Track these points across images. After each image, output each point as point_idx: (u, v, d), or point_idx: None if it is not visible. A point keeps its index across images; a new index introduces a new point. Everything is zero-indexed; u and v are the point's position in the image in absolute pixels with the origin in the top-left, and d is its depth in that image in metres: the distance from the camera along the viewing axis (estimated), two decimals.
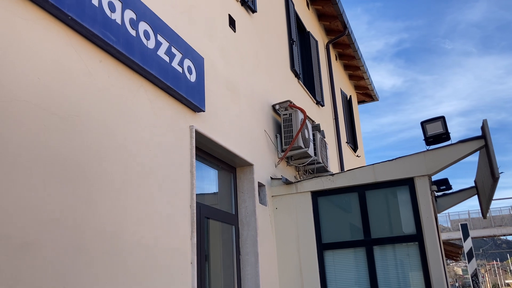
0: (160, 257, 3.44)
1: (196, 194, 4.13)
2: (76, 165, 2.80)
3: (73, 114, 2.85)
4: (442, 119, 5.43)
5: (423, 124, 5.50)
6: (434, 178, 5.64)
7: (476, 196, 6.81)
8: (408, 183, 5.21)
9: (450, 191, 6.50)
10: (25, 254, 2.37)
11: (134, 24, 3.48)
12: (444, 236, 35.44)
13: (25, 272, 2.34)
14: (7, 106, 2.42)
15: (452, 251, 13.32)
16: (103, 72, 3.18)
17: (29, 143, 2.51)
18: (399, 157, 5.30)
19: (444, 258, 5.44)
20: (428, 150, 5.22)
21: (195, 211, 3.99)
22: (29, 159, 2.49)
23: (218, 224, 4.93)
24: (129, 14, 3.44)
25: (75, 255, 2.67)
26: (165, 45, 3.85)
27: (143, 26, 3.59)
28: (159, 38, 3.79)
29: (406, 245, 5.15)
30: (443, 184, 6.31)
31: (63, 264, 2.58)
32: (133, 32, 3.45)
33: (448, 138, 5.36)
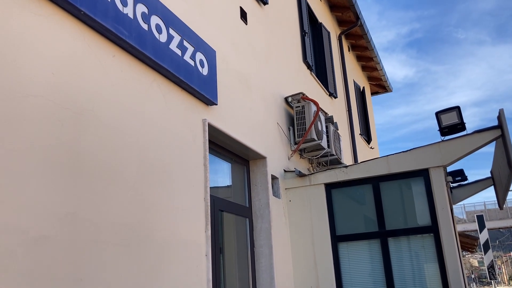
0: (175, 249, 3.46)
1: (210, 187, 4.14)
2: (91, 159, 2.83)
3: (87, 109, 2.87)
4: (457, 109, 5.36)
5: (438, 114, 5.44)
6: (449, 169, 5.58)
7: (492, 187, 6.72)
8: (423, 174, 5.17)
9: (465, 182, 6.43)
10: (42, 247, 2.40)
11: (146, 18, 3.48)
12: (460, 227, 35.13)
13: (42, 264, 2.38)
14: (22, 102, 2.44)
15: (467, 242, 13.23)
16: (116, 66, 3.19)
17: (44, 138, 2.54)
18: (414, 148, 5.25)
19: (460, 249, 5.40)
20: (443, 140, 5.17)
21: (209, 204, 4.01)
22: (45, 154, 2.52)
23: (232, 216, 4.95)
24: (141, 8, 3.45)
25: (91, 248, 2.70)
26: (177, 38, 3.86)
27: (155, 20, 3.59)
28: (171, 31, 3.79)
29: (421, 236, 5.12)
30: (459, 175, 6.25)
31: (79, 257, 2.62)
32: (145, 26, 3.45)
33: (463, 128, 5.29)
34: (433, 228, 5.01)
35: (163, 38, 3.66)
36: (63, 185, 2.60)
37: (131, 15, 3.31)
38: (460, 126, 5.27)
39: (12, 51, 2.44)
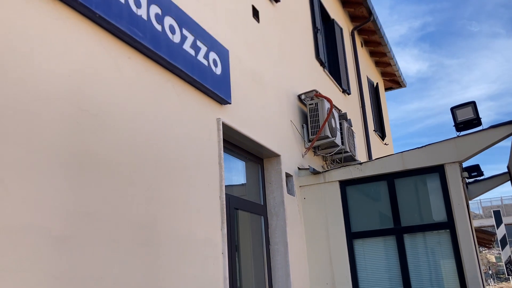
0: (192, 247, 3.50)
1: (225, 186, 4.18)
2: (109, 160, 2.88)
3: (103, 110, 2.92)
4: (472, 104, 5.32)
5: (453, 110, 5.40)
6: (465, 164, 5.54)
7: (509, 182, 6.64)
8: (438, 170, 5.14)
9: (481, 177, 6.37)
10: (64, 246, 2.45)
11: (159, 19, 3.52)
12: (476, 223, 34.72)
13: (64, 263, 2.43)
14: (41, 104, 2.50)
15: (484, 238, 13.09)
16: (131, 68, 3.24)
17: (63, 140, 2.59)
18: (429, 144, 5.22)
19: (477, 245, 5.36)
20: (458, 136, 5.13)
21: (224, 202, 4.04)
22: (64, 155, 2.57)
23: (247, 214, 4.98)
24: (154, 9, 3.48)
25: (110, 247, 2.75)
26: (190, 39, 3.89)
27: (168, 20, 3.63)
28: (184, 32, 3.82)
29: (437, 232, 5.09)
30: (475, 170, 6.19)
31: (99, 255, 2.66)
32: (159, 27, 3.49)
33: (479, 123, 5.24)
34: (449, 224, 4.98)
35: (176, 38, 3.69)
36: (83, 185, 2.65)
37: (145, 17, 3.35)
38: (476, 121, 5.23)
39: (32, 54, 2.49)
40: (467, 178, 5.90)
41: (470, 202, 6.82)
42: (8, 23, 2.40)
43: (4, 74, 2.32)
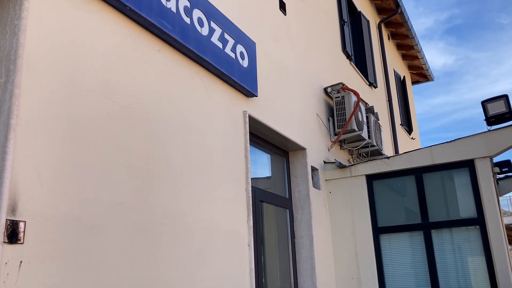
0: (218, 239, 3.53)
1: (251, 178, 4.18)
2: (139, 151, 2.91)
3: (134, 102, 2.95)
4: (505, 97, 5.18)
5: (484, 103, 5.27)
6: (495, 159, 5.41)
7: None
8: (468, 165, 5.03)
9: None
10: (94, 236, 2.50)
11: (188, 11, 3.54)
12: (506, 220, 33.87)
13: (94, 252, 2.48)
14: (73, 96, 2.54)
15: None
16: (160, 60, 3.26)
17: (94, 131, 2.63)
18: (458, 139, 5.12)
19: (507, 243, 5.25)
20: (489, 130, 5.01)
21: (250, 194, 4.05)
22: (95, 146, 2.62)
23: (272, 207, 4.98)
24: (183, 2, 3.50)
25: (139, 237, 2.79)
26: (218, 31, 3.89)
27: (196, 13, 3.64)
28: (212, 24, 3.83)
29: (466, 229, 4.99)
30: (506, 166, 6.03)
31: (128, 245, 2.71)
32: (187, 20, 3.51)
33: (511, 117, 5.10)
34: (479, 221, 4.88)
35: (204, 31, 3.71)
36: (113, 176, 2.69)
37: (174, 9, 3.37)
38: (508, 115, 5.09)
39: (66, 46, 2.54)
40: (498, 173, 5.76)
41: (500, 198, 6.66)
42: (42, 15, 2.45)
43: (38, 66, 2.37)
